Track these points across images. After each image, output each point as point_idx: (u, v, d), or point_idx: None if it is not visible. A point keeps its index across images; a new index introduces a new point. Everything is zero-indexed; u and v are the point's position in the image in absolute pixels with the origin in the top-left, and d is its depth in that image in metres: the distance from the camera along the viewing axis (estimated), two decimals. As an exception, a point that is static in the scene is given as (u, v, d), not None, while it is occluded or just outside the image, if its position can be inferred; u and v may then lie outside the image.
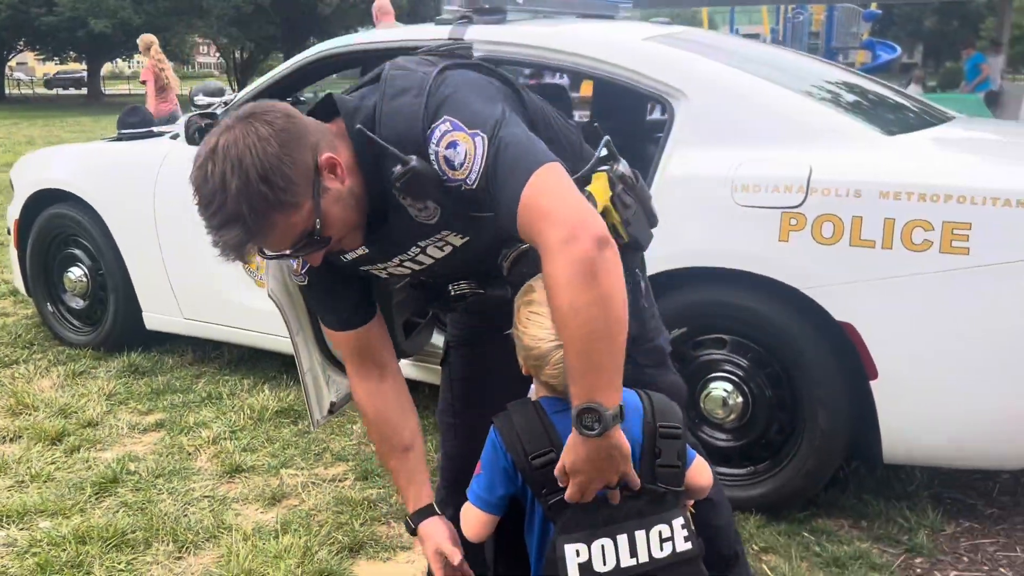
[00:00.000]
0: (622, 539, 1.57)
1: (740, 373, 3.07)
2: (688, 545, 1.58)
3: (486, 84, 1.77)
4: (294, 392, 4.29)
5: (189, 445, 3.77)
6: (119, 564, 2.92)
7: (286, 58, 37.98)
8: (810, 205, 2.84)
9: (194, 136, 4.10)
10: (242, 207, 1.57)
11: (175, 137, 4.47)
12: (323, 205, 1.63)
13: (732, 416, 3.12)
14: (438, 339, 3.58)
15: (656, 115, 5.36)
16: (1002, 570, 2.81)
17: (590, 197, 1.77)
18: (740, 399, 3.10)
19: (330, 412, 3.19)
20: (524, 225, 1.58)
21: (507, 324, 1.85)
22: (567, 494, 1.58)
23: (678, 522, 1.59)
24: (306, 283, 2.01)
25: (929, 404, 2.83)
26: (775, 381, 3.04)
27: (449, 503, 2.15)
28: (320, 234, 1.66)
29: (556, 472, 1.58)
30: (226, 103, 4.30)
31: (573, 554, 1.57)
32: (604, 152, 1.86)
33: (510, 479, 1.66)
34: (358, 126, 1.68)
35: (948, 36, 36.65)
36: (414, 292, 2.22)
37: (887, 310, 2.80)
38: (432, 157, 1.65)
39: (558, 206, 1.53)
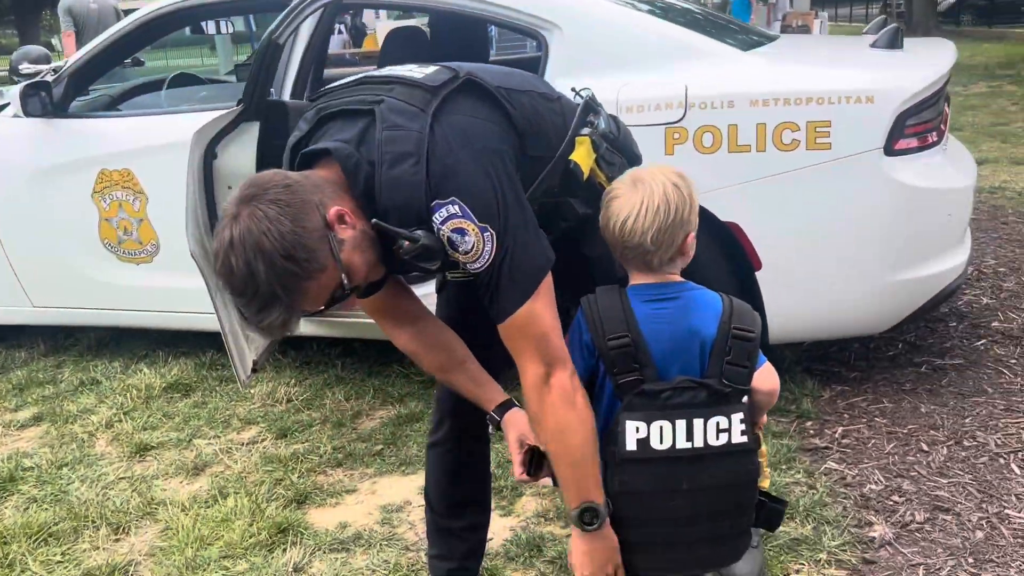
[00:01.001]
0: (680, 423, 1.72)
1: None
2: (744, 438, 1.74)
3: (480, 134, 1.76)
4: (176, 366, 4.15)
5: (82, 432, 3.59)
6: (54, 556, 2.80)
7: (20, 32, 34.74)
8: (690, 119, 3.11)
9: (31, 107, 3.83)
10: (275, 288, 1.60)
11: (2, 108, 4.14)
12: (344, 257, 1.66)
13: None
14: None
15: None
16: (877, 419, 3.26)
17: (576, 167, 1.90)
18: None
19: (254, 370, 3.18)
20: (507, 337, 1.76)
21: None
22: None
23: (737, 416, 1.73)
24: None
25: (807, 286, 3.21)
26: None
27: (449, 438, 2.25)
28: (349, 284, 1.71)
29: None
30: (55, 70, 4.01)
31: (633, 430, 1.73)
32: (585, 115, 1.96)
33: (589, 355, 1.79)
34: (374, 221, 1.69)
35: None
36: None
37: (766, 207, 3.13)
38: (436, 232, 1.70)
39: (542, 341, 1.72)
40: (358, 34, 15.99)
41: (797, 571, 2.48)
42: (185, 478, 3.23)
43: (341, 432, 3.47)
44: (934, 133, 3.20)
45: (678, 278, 1.85)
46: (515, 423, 2.00)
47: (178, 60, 24.44)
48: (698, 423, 1.73)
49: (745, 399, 1.79)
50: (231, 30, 11.09)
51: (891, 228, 3.13)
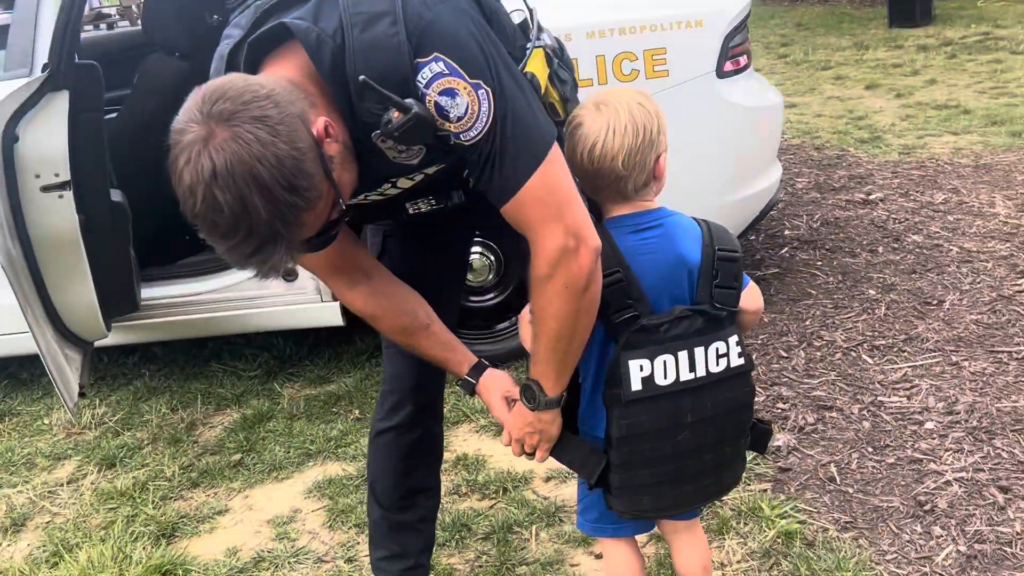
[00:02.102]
0: (683, 355, 1.63)
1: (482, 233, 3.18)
2: (741, 360, 1.68)
3: None
4: (-67, 409, 3.41)
5: None
6: None
7: None
8: (529, 56, 2.98)
9: None
10: (276, 224, 1.28)
11: None
12: (336, 178, 1.37)
13: (486, 278, 3.25)
14: (153, 292, 3.13)
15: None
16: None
17: (533, 79, 1.68)
18: (490, 258, 3.23)
19: (81, 394, 2.68)
20: (519, 212, 1.51)
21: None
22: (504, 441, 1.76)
23: (733, 339, 1.67)
24: None
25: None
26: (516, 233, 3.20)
27: (407, 420, 1.99)
28: (343, 208, 1.41)
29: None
30: None
31: (637, 369, 1.61)
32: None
33: None
34: (362, 78, 1.37)
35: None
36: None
37: (612, 140, 3.09)
38: (421, 99, 1.42)
39: (564, 211, 1.50)
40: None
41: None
42: (3, 538, 2.66)
43: (181, 448, 3.03)
44: (746, 55, 3.32)
45: (654, 205, 1.75)
46: (494, 385, 1.81)
47: None
48: (699, 352, 1.66)
49: (737, 321, 1.75)
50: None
51: (728, 148, 3.23)
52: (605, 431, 1.69)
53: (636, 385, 1.63)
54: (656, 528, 2.03)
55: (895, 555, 2.22)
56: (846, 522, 2.35)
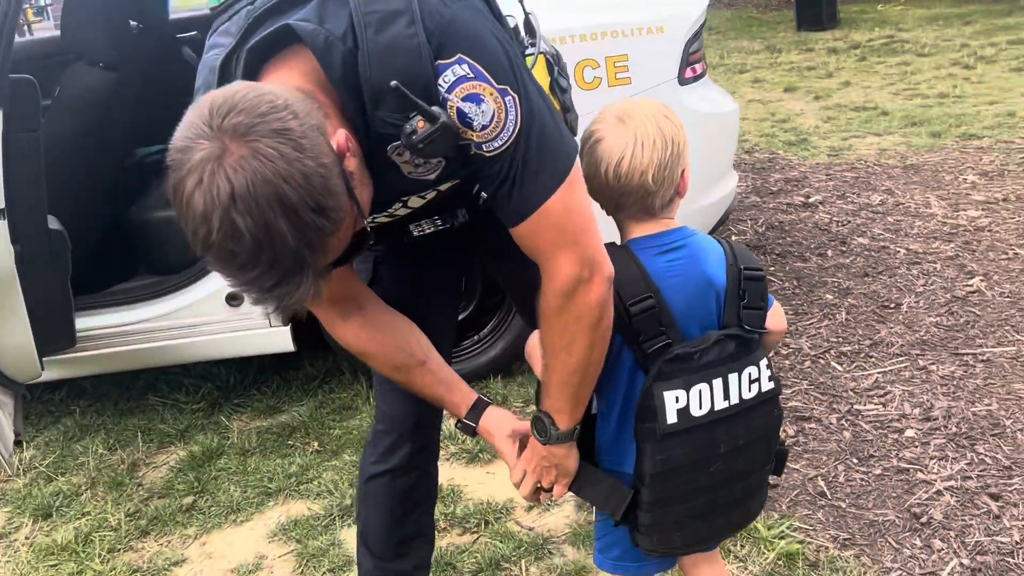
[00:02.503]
0: (717, 383, 1.53)
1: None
2: (771, 384, 1.60)
3: None
4: None
5: None
6: None
7: None
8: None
9: None
10: (302, 251, 1.11)
11: None
12: (357, 196, 1.21)
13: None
14: (85, 322, 2.88)
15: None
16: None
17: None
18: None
19: (17, 443, 2.43)
20: (533, 235, 1.39)
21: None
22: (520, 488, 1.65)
23: (763, 363, 1.59)
24: None
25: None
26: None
27: (405, 463, 1.83)
28: (365, 230, 1.26)
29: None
30: None
31: (672, 400, 1.51)
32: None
33: None
34: (394, 83, 1.22)
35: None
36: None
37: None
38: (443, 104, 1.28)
39: (581, 237, 1.39)
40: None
41: (719, 514, 2.43)
42: (-71, 608, 2.39)
43: (124, 493, 2.79)
44: (703, 62, 3.28)
45: (677, 223, 1.65)
46: (498, 425, 1.67)
47: None
48: (733, 378, 1.57)
49: (762, 343, 1.67)
50: None
51: (692, 156, 3.15)
52: (635, 467, 1.58)
53: (672, 418, 1.52)
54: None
55: (900, 571, 2.17)
56: (844, 539, 2.30)
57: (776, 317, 1.70)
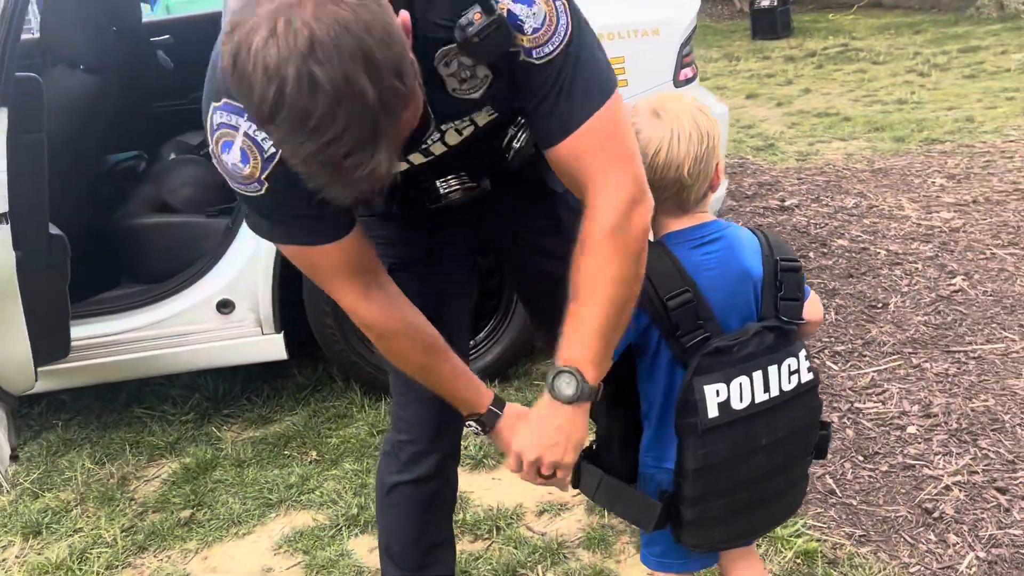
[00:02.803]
0: (757, 375, 1.52)
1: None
2: (811, 375, 1.60)
3: None
4: None
5: None
6: None
7: None
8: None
9: None
10: (379, 115, 1.03)
11: None
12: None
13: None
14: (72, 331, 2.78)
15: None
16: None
17: None
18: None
19: (14, 458, 2.34)
20: (584, 149, 1.34)
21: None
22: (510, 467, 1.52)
23: (802, 354, 1.58)
24: (264, 191, 1.31)
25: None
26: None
27: (431, 470, 1.78)
28: (428, 124, 1.22)
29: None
30: None
31: (713, 394, 1.49)
32: None
33: (631, 328, 1.50)
34: None
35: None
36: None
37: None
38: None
39: (634, 157, 1.36)
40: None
41: (732, 514, 2.43)
42: (-82, 633, 2.28)
43: (117, 508, 2.69)
44: (694, 66, 3.29)
45: (711, 216, 1.65)
46: (518, 419, 1.55)
47: None
48: (772, 370, 1.57)
49: (800, 334, 1.66)
50: None
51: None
52: (676, 463, 1.56)
53: (713, 412, 1.51)
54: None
55: (918, 567, 2.19)
56: (860, 536, 2.31)
57: (813, 307, 1.70)
